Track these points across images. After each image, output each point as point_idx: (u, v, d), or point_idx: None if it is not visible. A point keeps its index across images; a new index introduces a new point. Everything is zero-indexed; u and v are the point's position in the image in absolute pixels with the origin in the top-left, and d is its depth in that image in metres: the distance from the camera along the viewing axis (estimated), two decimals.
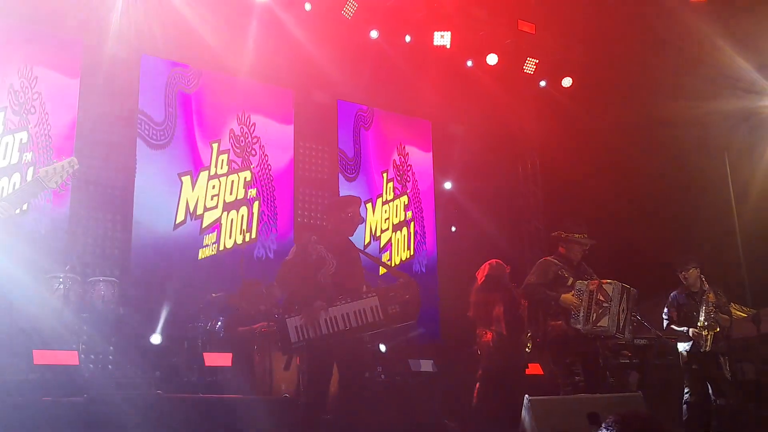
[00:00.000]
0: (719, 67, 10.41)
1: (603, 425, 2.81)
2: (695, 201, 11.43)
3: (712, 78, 10.52)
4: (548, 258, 6.72)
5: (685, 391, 7.60)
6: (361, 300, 5.51)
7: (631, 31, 10.43)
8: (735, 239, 11.00)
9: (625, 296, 6.43)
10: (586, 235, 6.60)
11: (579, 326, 6.26)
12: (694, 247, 9.64)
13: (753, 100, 11.19)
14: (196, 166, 9.72)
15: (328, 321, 5.39)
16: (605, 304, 6.30)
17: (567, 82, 11.83)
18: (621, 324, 6.40)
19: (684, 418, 7.53)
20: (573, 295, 6.33)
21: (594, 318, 6.27)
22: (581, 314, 6.26)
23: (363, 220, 6.05)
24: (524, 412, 5.37)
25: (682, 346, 7.70)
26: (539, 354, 7.64)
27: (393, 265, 11.39)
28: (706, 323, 7.55)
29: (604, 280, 6.45)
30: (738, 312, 8.83)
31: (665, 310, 7.85)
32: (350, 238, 5.90)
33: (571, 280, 6.46)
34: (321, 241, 5.67)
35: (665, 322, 7.84)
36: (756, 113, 11.39)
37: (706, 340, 7.50)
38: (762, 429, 7.66)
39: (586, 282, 6.40)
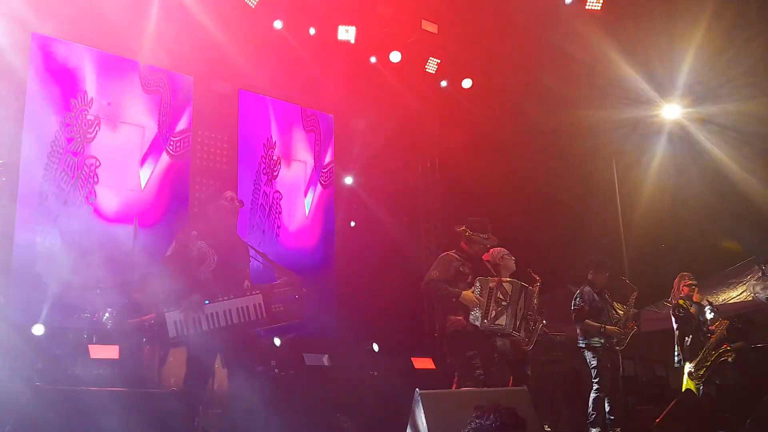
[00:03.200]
0: (610, 77, 10.85)
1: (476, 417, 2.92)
2: (585, 205, 11.92)
3: (603, 88, 10.97)
4: (449, 253, 6.73)
5: (595, 387, 7.79)
6: (244, 297, 5.42)
7: (529, 38, 10.73)
8: (620, 241, 11.50)
9: (523, 295, 6.56)
10: (489, 235, 6.67)
11: (477, 323, 6.32)
12: (582, 248, 10.03)
13: (641, 109, 11.73)
14: None
15: (209, 317, 5.28)
16: (504, 303, 6.39)
17: (467, 83, 12.05)
18: (518, 322, 6.52)
19: (590, 410, 7.76)
20: (473, 292, 6.38)
21: (492, 316, 6.35)
22: (479, 311, 6.33)
23: (242, 204, 5.88)
24: (414, 405, 5.43)
25: (593, 342, 7.90)
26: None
27: None
28: (630, 322, 7.89)
29: (504, 278, 6.54)
30: (620, 311, 9.23)
31: (578, 302, 7.99)
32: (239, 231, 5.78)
33: (470, 276, 6.51)
34: (202, 236, 5.55)
35: (575, 315, 7.98)
36: (644, 122, 11.94)
37: (626, 337, 7.83)
38: (641, 421, 8.02)
39: (486, 279, 6.46)
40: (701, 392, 8.14)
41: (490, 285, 6.40)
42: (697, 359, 8.21)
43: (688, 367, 8.28)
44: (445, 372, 9.74)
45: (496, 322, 6.37)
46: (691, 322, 8.40)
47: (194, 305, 5.27)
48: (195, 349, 5.42)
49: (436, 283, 6.54)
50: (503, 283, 6.47)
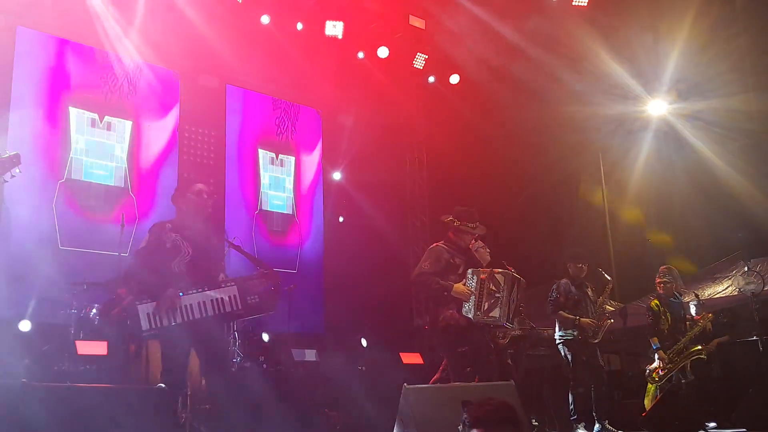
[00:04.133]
0: (596, 73, 10.90)
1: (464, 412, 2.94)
2: (572, 201, 11.96)
3: (589, 84, 11.00)
4: (438, 244, 6.60)
5: (572, 382, 7.74)
6: (219, 289, 5.38)
7: (517, 33, 10.75)
8: (606, 237, 11.55)
9: (515, 286, 6.45)
10: (477, 225, 6.56)
11: (470, 315, 6.22)
12: (568, 244, 10.05)
13: (628, 105, 11.77)
14: None
15: (183, 309, 5.24)
16: (497, 294, 6.28)
17: (455, 79, 12.06)
18: (510, 314, 6.42)
19: (571, 408, 7.77)
20: (464, 284, 6.29)
21: (485, 308, 6.24)
22: (472, 303, 6.22)
23: (211, 197, 5.84)
24: (402, 400, 5.44)
25: (567, 335, 7.91)
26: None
27: None
28: (606, 313, 7.89)
29: (496, 270, 6.41)
30: (607, 306, 9.28)
31: (553, 295, 7.96)
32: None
33: (461, 267, 6.42)
34: (176, 229, 5.52)
35: (551, 307, 7.96)
36: (630, 118, 12.00)
37: (601, 330, 7.82)
38: (628, 414, 8.05)
39: (478, 270, 6.36)
40: (657, 395, 8.08)
41: (482, 276, 6.28)
42: (659, 361, 8.17)
43: (648, 369, 8.24)
44: (433, 366, 9.81)
45: (489, 314, 6.25)
46: (659, 323, 8.35)
47: (169, 298, 5.25)
48: (169, 342, 5.39)
49: (426, 276, 6.39)
50: (495, 275, 6.34)
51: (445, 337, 6.41)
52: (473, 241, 7.05)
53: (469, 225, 6.54)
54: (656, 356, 8.20)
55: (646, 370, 8.23)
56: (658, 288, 8.54)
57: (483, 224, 6.67)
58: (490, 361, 6.61)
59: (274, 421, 7.26)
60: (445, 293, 6.33)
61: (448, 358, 6.50)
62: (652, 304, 8.44)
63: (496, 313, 6.30)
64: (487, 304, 6.28)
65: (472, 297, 6.25)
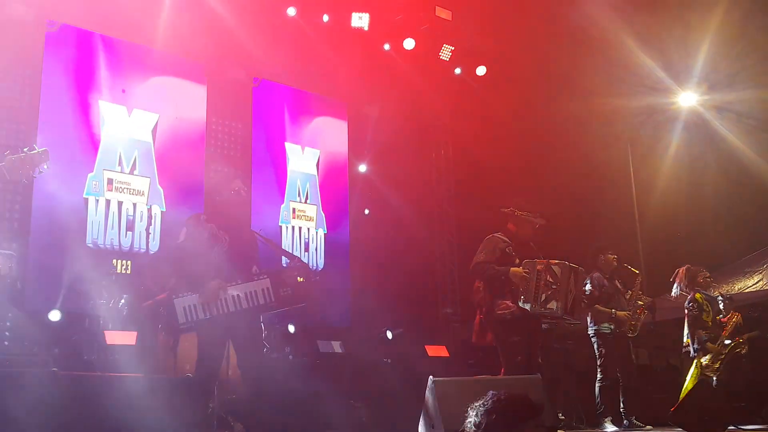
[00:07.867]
0: (626, 64, 10.78)
1: (482, 402, 2.93)
2: (599, 193, 11.86)
3: (619, 75, 10.90)
4: (495, 234, 6.53)
5: (599, 377, 7.70)
6: (252, 282, 5.41)
7: (544, 25, 10.67)
8: (635, 229, 11.45)
9: (572, 277, 6.37)
10: (538, 214, 6.49)
11: (527, 307, 6.17)
12: (596, 237, 9.98)
13: (657, 97, 11.65)
14: None
15: (220, 302, 5.27)
16: (554, 286, 6.21)
17: (481, 70, 11.98)
18: (569, 305, 6.35)
19: (597, 401, 7.71)
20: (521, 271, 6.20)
21: (543, 299, 6.19)
22: (530, 295, 6.16)
23: (247, 193, 5.85)
24: (428, 393, 5.44)
25: (602, 329, 7.88)
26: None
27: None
28: (638, 308, 7.83)
29: (552, 261, 6.33)
30: (638, 302, 9.18)
31: (587, 287, 7.82)
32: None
33: (517, 259, 6.32)
34: (211, 220, 5.53)
35: (585, 301, 7.83)
36: (660, 110, 11.87)
37: (638, 323, 7.76)
38: (657, 410, 8.00)
39: (533, 261, 6.26)
40: (714, 382, 8.11)
41: (538, 267, 6.21)
42: (712, 354, 8.17)
43: (704, 360, 8.24)
44: (458, 358, 9.80)
45: (546, 306, 6.20)
46: (702, 315, 8.34)
47: (214, 289, 5.26)
48: (205, 335, 5.43)
49: (482, 265, 6.37)
50: (552, 266, 6.26)
51: (499, 327, 6.36)
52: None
53: (530, 215, 6.46)
54: (706, 348, 8.20)
55: (701, 359, 8.23)
56: (698, 282, 8.48)
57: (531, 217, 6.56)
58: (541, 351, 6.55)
59: (299, 413, 7.29)
60: (503, 278, 6.26)
61: (501, 348, 6.42)
62: (697, 296, 8.39)
63: (552, 305, 6.23)
64: (544, 295, 6.22)
65: (530, 288, 6.17)
